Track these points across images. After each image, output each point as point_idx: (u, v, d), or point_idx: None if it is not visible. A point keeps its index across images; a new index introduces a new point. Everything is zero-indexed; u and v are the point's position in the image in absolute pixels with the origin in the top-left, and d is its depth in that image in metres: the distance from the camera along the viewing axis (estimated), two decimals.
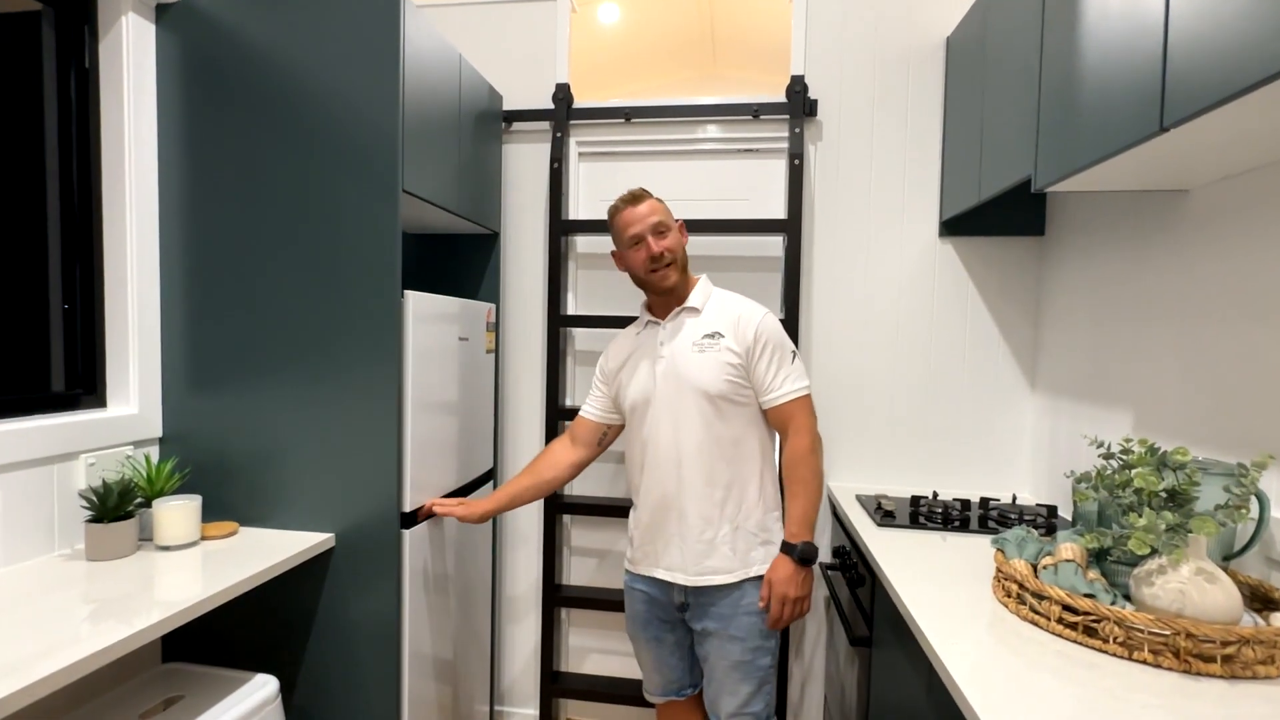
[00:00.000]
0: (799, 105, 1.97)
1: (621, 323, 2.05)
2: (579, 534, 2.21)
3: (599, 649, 2.23)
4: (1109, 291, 1.61)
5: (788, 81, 2.00)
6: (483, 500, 1.61)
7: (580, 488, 2.17)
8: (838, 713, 1.93)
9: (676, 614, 1.52)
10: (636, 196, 1.50)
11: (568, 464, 1.61)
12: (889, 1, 1.99)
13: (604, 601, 2.09)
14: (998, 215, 1.90)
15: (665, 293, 1.49)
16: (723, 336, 1.44)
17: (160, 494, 1.39)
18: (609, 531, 2.19)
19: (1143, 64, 1.01)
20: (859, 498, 1.87)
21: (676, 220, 1.52)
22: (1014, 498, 1.83)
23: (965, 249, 1.99)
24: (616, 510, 2.02)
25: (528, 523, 2.18)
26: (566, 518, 2.18)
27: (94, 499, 1.28)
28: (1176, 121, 0.94)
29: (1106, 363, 1.61)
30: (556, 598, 2.11)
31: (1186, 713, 0.84)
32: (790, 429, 1.45)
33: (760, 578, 1.44)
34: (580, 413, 1.64)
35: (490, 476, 2.04)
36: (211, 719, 1.18)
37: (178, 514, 1.35)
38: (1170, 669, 0.93)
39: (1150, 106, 0.98)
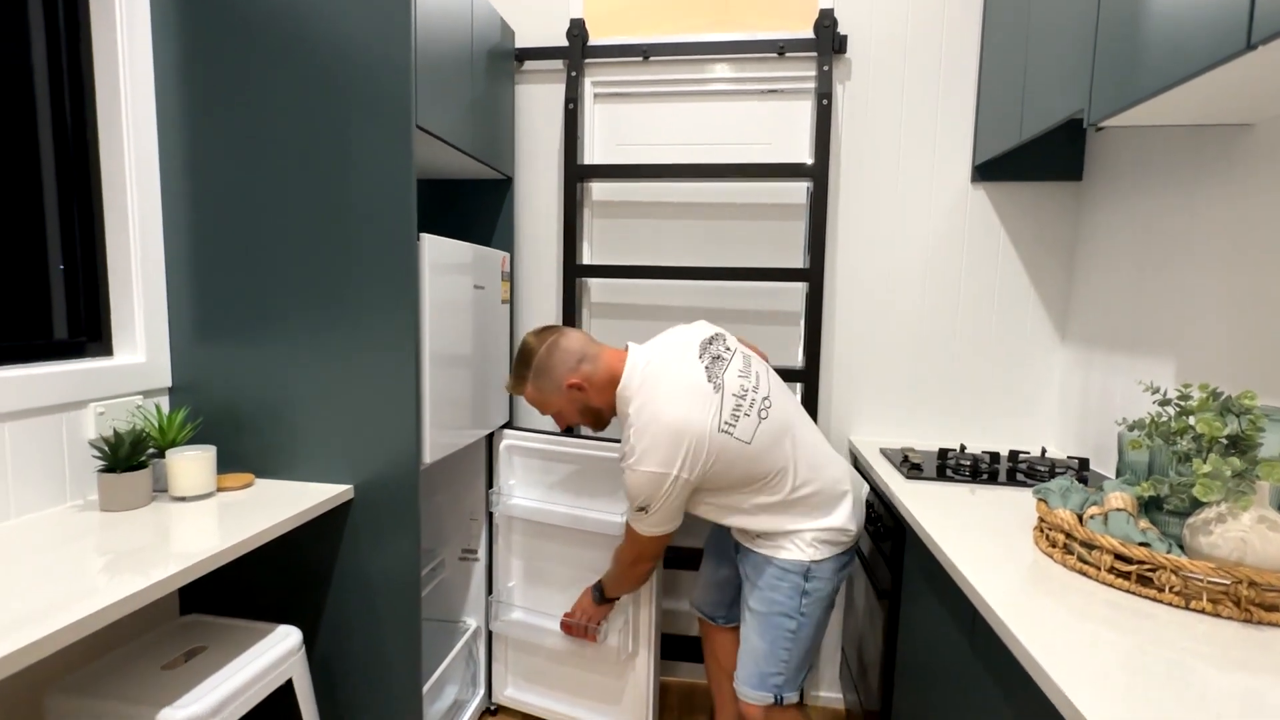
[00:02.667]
0: (828, 41, 1.87)
1: (640, 273, 2.00)
2: None
3: None
4: (1154, 236, 1.54)
5: (815, 16, 1.89)
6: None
7: None
8: (856, 667, 1.93)
9: (733, 552, 1.58)
10: (512, 392, 1.51)
11: None
12: None
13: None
14: (1034, 159, 1.82)
15: (601, 431, 1.56)
16: None
17: (173, 444, 1.35)
18: None
19: None
20: (884, 451, 1.84)
21: (566, 382, 1.41)
22: (1043, 450, 1.79)
23: (998, 195, 1.91)
24: None
25: None
26: None
27: (105, 448, 1.23)
28: (1267, 37, 0.86)
29: (1147, 311, 1.55)
30: None
31: (1250, 661, 0.81)
32: (624, 539, 1.53)
33: (789, 561, 1.40)
34: None
35: (507, 428, 2.00)
36: (235, 670, 1.15)
37: (193, 464, 1.31)
38: (1230, 618, 0.90)
39: (1237, 19, 0.90)
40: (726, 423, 1.32)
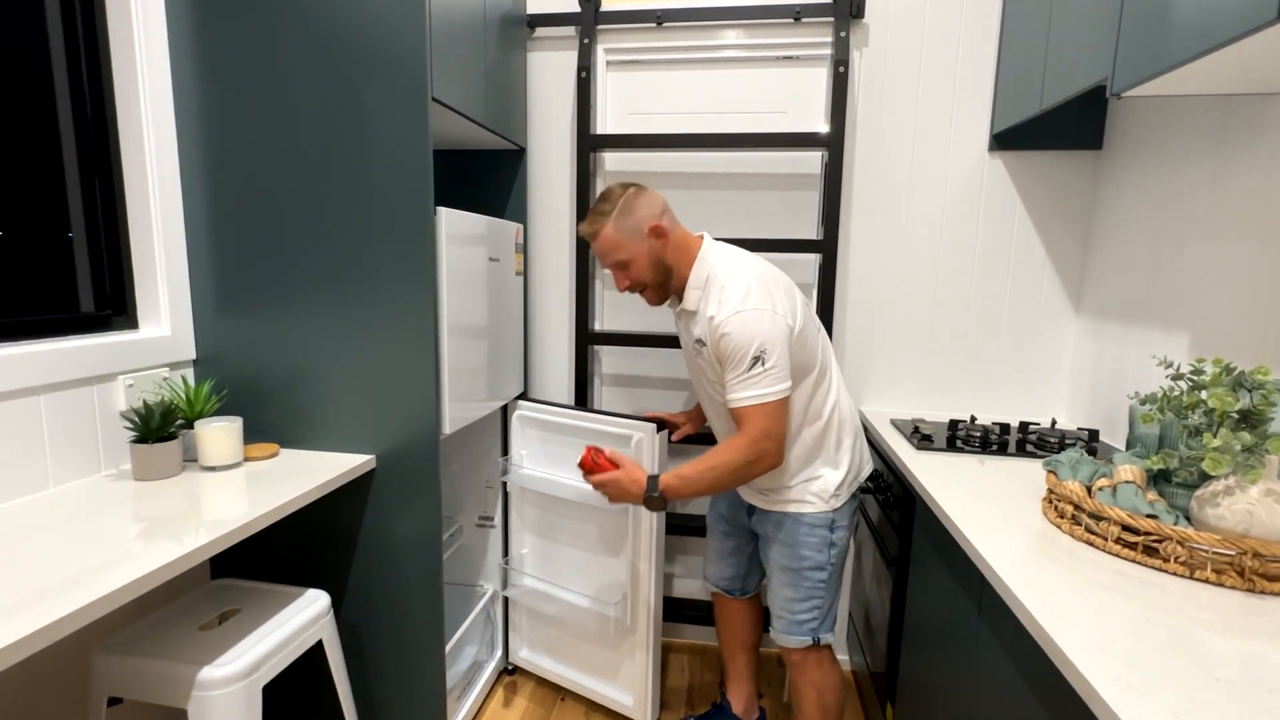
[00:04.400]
0: (845, 5, 1.83)
1: None
2: None
3: None
4: (1173, 207, 1.53)
5: None
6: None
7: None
8: (864, 631, 1.99)
9: (745, 519, 1.62)
10: (590, 232, 1.43)
11: None
12: None
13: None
14: (1053, 128, 1.80)
15: (659, 305, 1.52)
16: (704, 345, 1.39)
17: (200, 415, 1.38)
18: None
19: None
20: (894, 422, 1.86)
21: (649, 225, 1.38)
22: (1053, 422, 1.81)
23: (1016, 164, 1.89)
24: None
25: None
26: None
27: (136, 419, 1.27)
28: None
29: (1163, 284, 1.55)
30: None
31: (1252, 628, 0.83)
32: (739, 429, 1.34)
33: (816, 515, 1.45)
34: None
35: (521, 399, 2.03)
36: (269, 631, 1.21)
37: (221, 435, 1.35)
38: (1234, 588, 0.93)
39: None
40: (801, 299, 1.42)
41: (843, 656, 2.21)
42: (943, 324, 1.99)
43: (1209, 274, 1.40)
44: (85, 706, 1.13)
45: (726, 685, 1.88)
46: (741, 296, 1.30)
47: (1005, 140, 1.86)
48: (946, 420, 1.80)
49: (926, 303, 1.99)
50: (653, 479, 1.38)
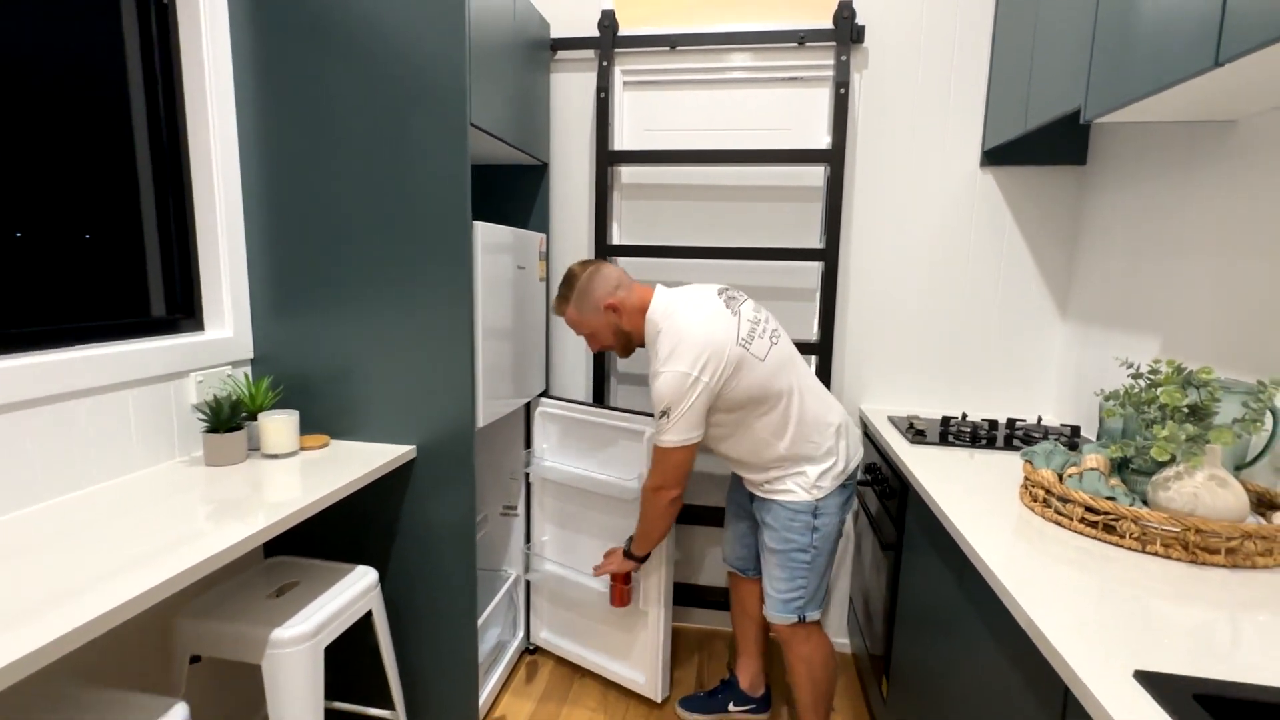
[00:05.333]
0: (846, 32, 1.97)
1: (664, 252, 2.15)
2: None
3: None
4: (1148, 221, 1.66)
5: (835, 7, 1.99)
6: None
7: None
8: (862, 614, 2.12)
9: (748, 504, 1.78)
10: (555, 308, 1.68)
11: None
12: None
13: None
14: (1040, 144, 1.93)
15: (628, 358, 1.73)
16: None
17: (260, 409, 1.54)
18: None
19: None
20: (891, 418, 1.99)
21: (605, 303, 1.58)
22: (1039, 419, 1.94)
23: (1006, 178, 2.03)
24: None
25: None
26: None
27: (209, 411, 1.42)
28: (1232, 57, 0.98)
29: (1139, 291, 1.68)
30: None
31: (1192, 594, 0.97)
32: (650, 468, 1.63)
33: (798, 503, 1.60)
34: None
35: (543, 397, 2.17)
36: (327, 600, 1.35)
37: (281, 426, 1.50)
38: (1179, 560, 1.06)
39: (1207, 40, 1.02)
40: (743, 339, 1.50)
41: (843, 640, 2.35)
42: (937, 327, 2.12)
43: (1177, 284, 1.53)
44: (169, 664, 1.28)
45: (736, 662, 2.02)
46: (665, 357, 1.49)
47: (995, 156, 2.00)
48: (940, 417, 1.93)
49: (922, 308, 2.12)
50: (627, 548, 1.81)
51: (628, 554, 1.80)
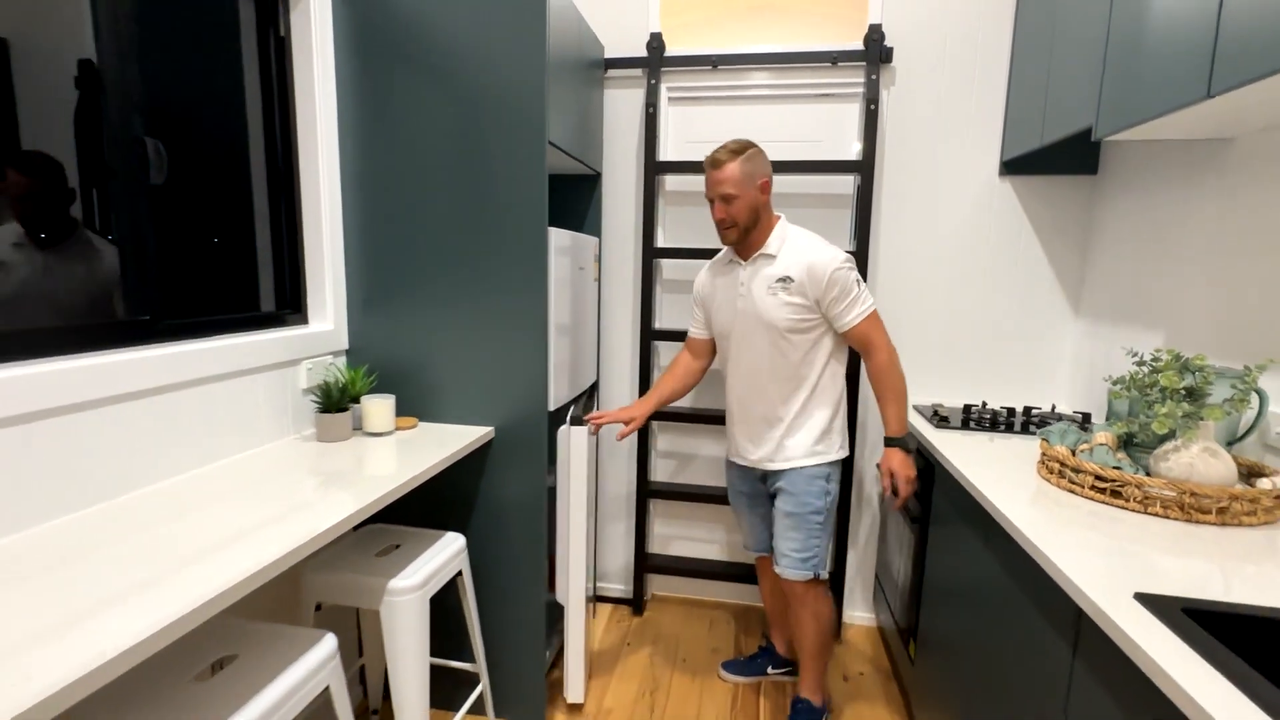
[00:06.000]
0: (876, 53, 2.15)
1: (705, 254, 2.33)
2: (664, 440, 2.56)
3: (681, 536, 2.62)
4: (1153, 228, 1.84)
5: (865, 30, 2.17)
6: (638, 404, 1.93)
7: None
8: (889, 588, 2.30)
9: (760, 486, 1.92)
10: (716, 162, 1.71)
11: (698, 369, 1.98)
12: None
13: (687, 495, 2.46)
14: (1055, 156, 2.09)
15: (733, 245, 1.78)
16: (793, 281, 1.69)
17: (360, 393, 1.73)
18: (691, 437, 2.53)
19: (1197, 32, 1.21)
20: (916, 407, 2.17)
21: (760, 180, 1.70)
22: (1053, 407, 2.11)
23: (1023, 187, 2.20)
24: (698, 418, 2.36)
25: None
26: (654, 424, 2.52)
27: (321, 394, 1.62)
28: (1222, 90, 1.15)
29: (1145, 291, 1.85)
30: (647, 491, 2.48)
31: (1187, 546, 1.14)
32: (869, 348, 1.74)
33: (821, 465, 1.78)
34: (690, 333, 1.99)
35: (594, 389, 2.37)
36: (428, 559, 1.54)
37: (381, 408, 1.70)
38: (1176, 519, 1.24)
39: (1200, 73, 1.19)
40: None
41: (869, 615, 2.53)
42: (960, 324, 2.30)
43: (1179, 285, 1.71)
44: (297, 610, 1.48)
45: (770, 632, 2.21)
46: (830, 250, 1.70)
47: (1013, 166, 2.17)
48: (962, 405, 2.11)
49: (946, 305, 2.30)
50: (894, 440, 1.76)
51: (906, 447, 1.78)
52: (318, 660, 1.18)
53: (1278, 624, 0.89)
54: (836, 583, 2.41)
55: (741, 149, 1.70)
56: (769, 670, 2.17)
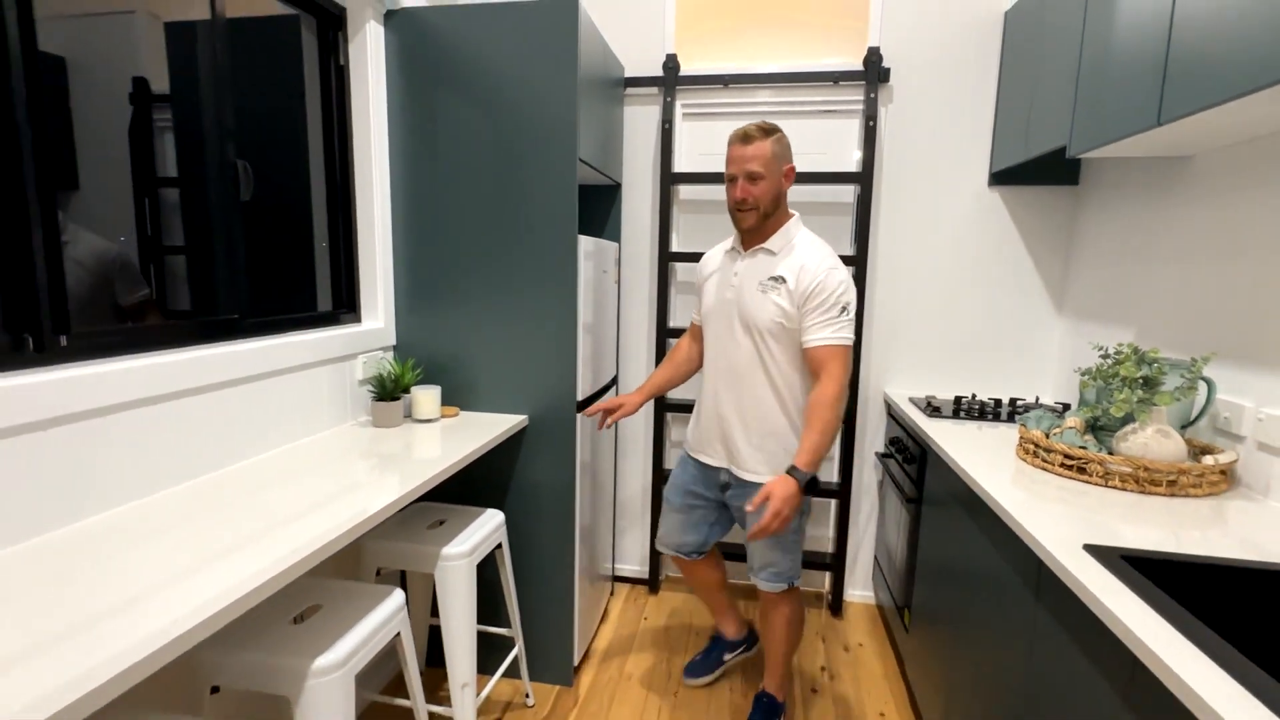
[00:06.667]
0: (874, 73, 2.34)
1: None
2: (676, 431, 2.75)
3: None
4: (1125, 236, 2.02)
5: (865, 52, 2.36)
6: (634, 393, 1.93)
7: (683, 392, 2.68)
8: (887, 568, 2.48)
9: (718, 492, 1.85)
10: (747, 136, 1.61)
11: (697, 355, 1.91)
12: None
13: None
14: (1039, 168, 2.27)
15: (745, 231, 1.68)
16: (785, 282, 1.60)
17: (409, 384, 1.93)
18: None
19: (1150, 66, 1.39)
20: (911, 399, 2.36)
21: (786, 165, 1.64)
22: (1037, 398, 2.30)
23: (1010, 196, 2.39)
24: None
25: (635, 429, 2.72)
26: (669, 415, 2.71)
27: (377, 385, 1.82)
28: (1171, 119, 1.34)
29: (1119, 292, 2.04)
30: (662, 479, 2.68)
31: (1139, 514, 1.32)
32: (821, 374, 1.58)
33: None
34: (693, 317, 1.95)
35: (614, 383, 2.56)
36: (473, 531, 1.73)
37: (429, 397, 1.90)
38: (1132, 491, 1.42)
39: (1152, 103, 1.38)
40: None
41: (869, 593, 2.72)
42: (952, 322, 2.49)
43: (1146, 287, 1.89)
44: (359, 573, 1.68)
45: (717, 622, 2.20)
46: (833, 262, 1.59)
47: (1001, 177, 2.36)
48: (953, 397, 2.30)
49: (939, 305, 2.49)
50: (795, 472, 1.52)
51: (806, 485, 1.54)
52: (389, 611, 1.37)
53: (1195, 567, 1.08)
54: (838, 564, 2.60)
55: (773, 129, 1.62)
56: (725, 657, 2.18)
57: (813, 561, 2.62)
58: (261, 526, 1.18)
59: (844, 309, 1.58)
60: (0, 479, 1.03)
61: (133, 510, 1.24)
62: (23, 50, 1.07)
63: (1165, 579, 1.04)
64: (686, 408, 2.61)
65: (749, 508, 1.54)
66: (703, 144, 2.57)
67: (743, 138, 1.63)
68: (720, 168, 2.50)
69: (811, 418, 1.57)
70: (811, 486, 1.57)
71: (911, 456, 2.15)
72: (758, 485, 1.66)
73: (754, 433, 1.71)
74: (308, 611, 1.33)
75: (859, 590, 2.73)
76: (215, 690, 1.21)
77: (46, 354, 1.12)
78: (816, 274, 1.58)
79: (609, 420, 1.88)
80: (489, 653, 2.06)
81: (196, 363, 1.37)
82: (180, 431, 1.35)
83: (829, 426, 1.56)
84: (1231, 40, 1.17)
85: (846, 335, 1.59)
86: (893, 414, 2.43)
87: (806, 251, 1.64)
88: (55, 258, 1.13)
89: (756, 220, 1.65)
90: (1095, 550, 1.11)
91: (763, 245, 1.68)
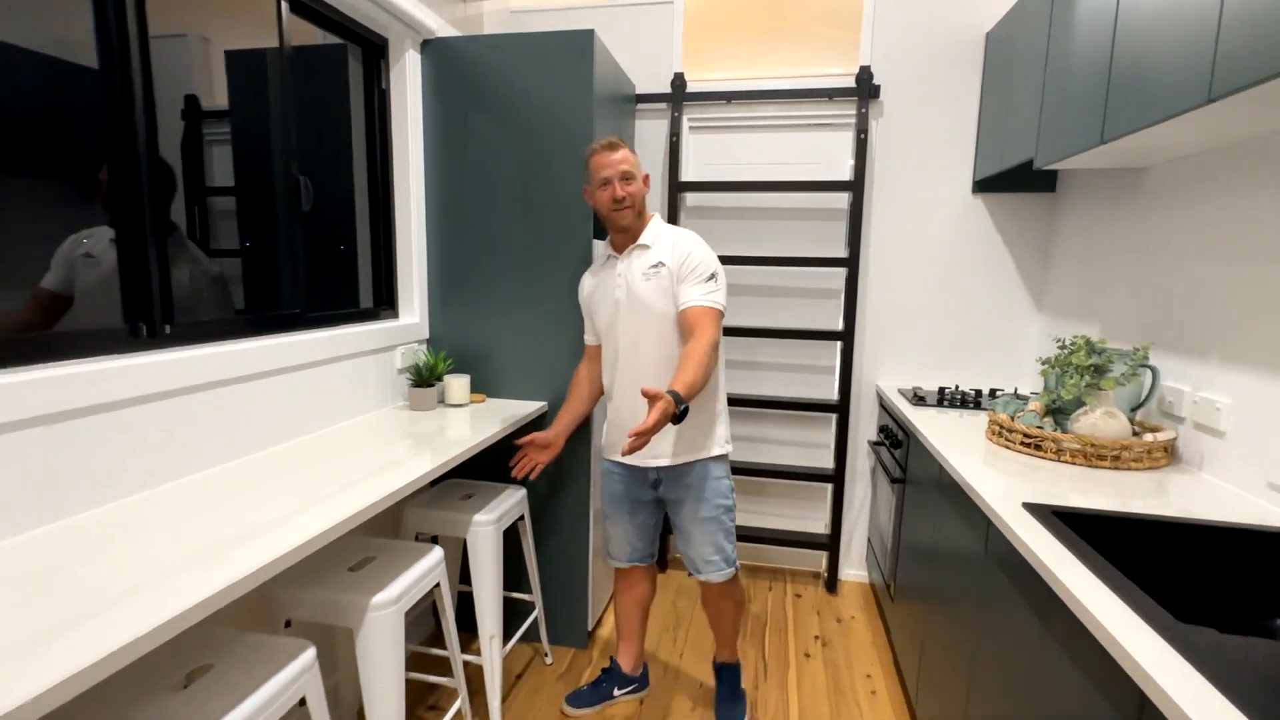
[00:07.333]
0: (865, 90, 2.54)
1: (722, 260, 2.72)
2: None
3: None
4: (1092, 239, 2.21)
5: (857, 70, 2.56)
6: (551, 430, 1.97)
7: None
8: (878, 548, 2.68)
9: (650, 491, 1.88)
10: (613, 145, 1.76)
11: (597, 375, 1.96)
12: (942, 1, 2.51)
13: None
14: (1019, 176, 2.45)
15: (623, 230, 1.78)
16: (664, 265, 1.72)
17: (442, 373, 2.15)
18: None
19: (1097, 88, 1.58)
20: (900, 390, 2.55)
21: (644, 172, 1.80)
22: (1015, 389, 2.48)
23: (993, 202, 2.58)
24: None
25: None
26: None
27: (415, 373, 2.05)
28: (1113, 137, 1.53)
29: (1088, 291, 2.22)
30: None
31: (1085, 484, 1.51)
32: (695, 331, 1.64)
33: (718, 456, 1.81)
34: (587, 341, 2.00)
35: None
36: (499, 503, 1.95)
37: (460, 385, 2.12)
38: (1081, 465, 1.61)
39: (1095, 124, 1.58)
40: None
41: (863, 573, 2.91)
42: (939, 319, 2.68)
43: (1109, 285, 2.08)
44: (399, 536, 1.90)
45: (619, 648, 2.14)
46: (699, 240, 1.76)
47: (984, 185, 2.55)
48: (938, 387, 2.49)
49: (926, 303, 2.68)
50: (675, 395, 1.48)
51: (679, 401, 1.49)
52: (431, 563, 1.59)
53: (1112, 520, 1.27)
54: (833, 544, 2.80)
55: (625, 142, 1.79)
56: (615, 693, 2.10)
57: (809, 542, 2.82)
58: (330, 489, 1.40)
59: (713, 276, 1.70)
60: (130, 439, 1.27)
61: (228, 470, 1.48)
62: (143, 85, 1.31)
63: (1088, 531, 1.24)
64: None
65: (644, 390, 1.47)
66: (708, 155, 2.78)
67: (608, 146, 1.76)
68: (725, 175, 2.74)
69: (685, 360, 1.59)
70: (682, 415, 1.53)
71: (898, 442, 2.35)
72: (688, 465, 1.79)
73: (683, 435, 1.76)
74: (362, 562, 1.55)
75: (853, 570, 2.92)
76: (288, 624, 1.44)
77: (156, 340, 1.35)
78: (687, 248, 1.73)
79: (538, 469, 1.95)
80: (511, 618, 2.28)
81: (269, 349, 1.60)
82: (260, 406, 1.58)
83: (701, 367, 1.57)
84: (1159, 69, 1.36)
85: (716, 299, 1.69)
86: (883, 404, 2.63)
87: (675, 236, 1.77)
88: (163, 260, 1.37)
89: (632, 217, 1.76)
90: (1032, 508, 1.31)
91: (637, 243, 1.79)
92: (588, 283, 1.92)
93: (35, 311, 1.26)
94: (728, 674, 2.06)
